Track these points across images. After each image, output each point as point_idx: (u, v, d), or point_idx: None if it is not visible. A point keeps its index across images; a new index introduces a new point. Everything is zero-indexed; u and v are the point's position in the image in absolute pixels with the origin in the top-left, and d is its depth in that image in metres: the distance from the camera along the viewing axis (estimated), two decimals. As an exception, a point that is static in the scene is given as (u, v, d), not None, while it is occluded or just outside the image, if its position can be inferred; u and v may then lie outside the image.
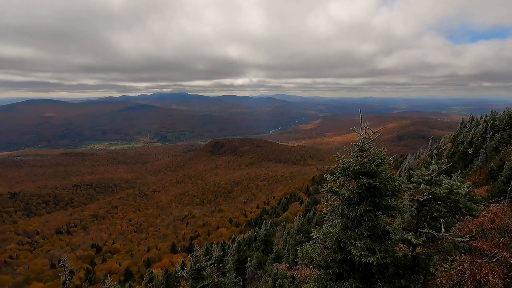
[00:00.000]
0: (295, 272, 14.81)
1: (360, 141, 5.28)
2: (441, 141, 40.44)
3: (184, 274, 12.20)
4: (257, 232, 42.23)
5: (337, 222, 5.20)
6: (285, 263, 22.54)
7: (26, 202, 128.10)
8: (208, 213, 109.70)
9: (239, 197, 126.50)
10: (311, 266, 5.10)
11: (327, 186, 5.32)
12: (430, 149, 40.29)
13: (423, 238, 4.98)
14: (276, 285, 17.01)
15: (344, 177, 5.22)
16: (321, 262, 5.01)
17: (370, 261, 4.35)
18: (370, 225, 4.81)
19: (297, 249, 19.24)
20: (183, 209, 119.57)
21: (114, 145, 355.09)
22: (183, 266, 31.45)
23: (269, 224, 35.30)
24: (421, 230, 5.30)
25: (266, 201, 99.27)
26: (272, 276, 18.86)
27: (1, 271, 69.41)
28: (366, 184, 4.90)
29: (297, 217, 26.67)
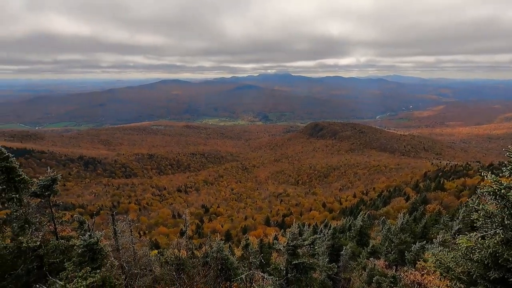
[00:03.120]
0: (401, 274, 13.27)
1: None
2: None
3: (281, 248, 12.72)
4: (352, 222, 40.13)
5: (497, 233, 4.00)
6: (384, 261, 20.63)
7: (158, 162, 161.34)
8: (302, 194, 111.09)
9: (334, 183, 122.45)
10: (447, 276, 4.18)
11: (490, 187, 4.08)
12: None
13: None
14: (373, 281, 15.79)
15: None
16: (462, 275, 4.02)
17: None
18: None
19: (400, 249, 17.03)
20: (279, 187, 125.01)
21: (223, 122, 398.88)
22: (276, 239, 33.18)
23: (366, 215, 32.93)
24: None
25: (365, 191, 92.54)
26: (367, 270, 17.61)
27: (141, 213, 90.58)
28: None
29: (401, 214, 23.52)
